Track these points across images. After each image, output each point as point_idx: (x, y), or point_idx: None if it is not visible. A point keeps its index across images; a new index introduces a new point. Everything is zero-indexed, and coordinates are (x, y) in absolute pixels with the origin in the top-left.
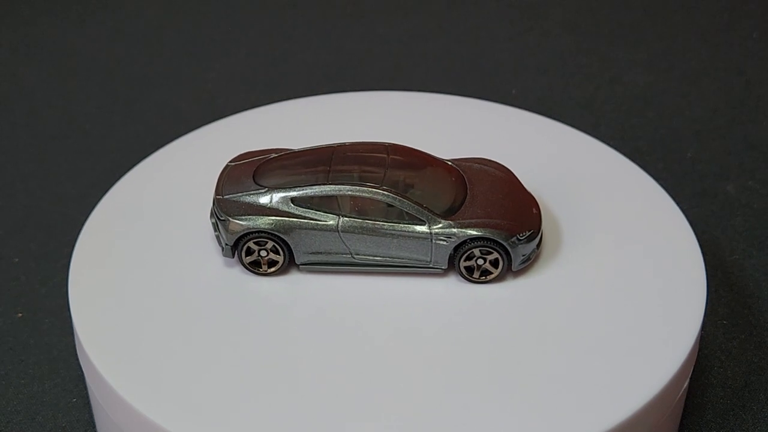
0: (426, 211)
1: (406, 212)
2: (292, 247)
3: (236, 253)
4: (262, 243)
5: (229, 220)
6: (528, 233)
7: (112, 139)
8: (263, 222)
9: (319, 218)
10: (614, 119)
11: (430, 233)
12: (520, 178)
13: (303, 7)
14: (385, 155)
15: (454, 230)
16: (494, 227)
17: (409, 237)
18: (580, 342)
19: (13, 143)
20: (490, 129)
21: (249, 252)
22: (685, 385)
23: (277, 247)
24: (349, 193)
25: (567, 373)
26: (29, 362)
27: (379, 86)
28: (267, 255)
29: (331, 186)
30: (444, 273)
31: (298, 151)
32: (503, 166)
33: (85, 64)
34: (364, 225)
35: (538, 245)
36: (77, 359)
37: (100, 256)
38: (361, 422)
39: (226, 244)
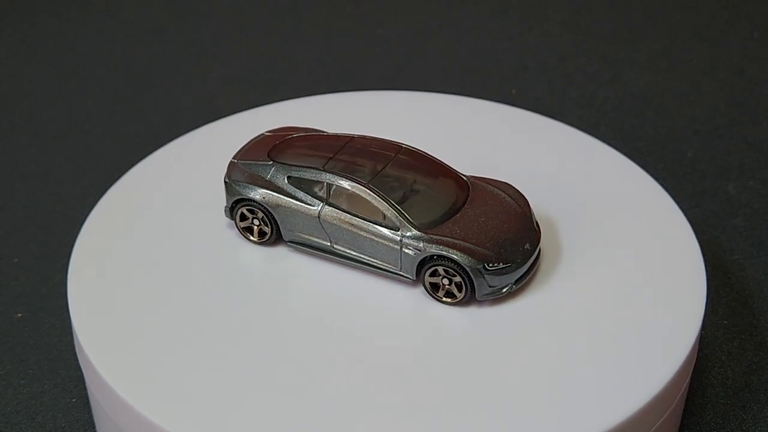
0: (401, 218)
1: (384, 214)
2: (278, 222)
3: (233, 216)
4: (255, 212)
5: (230, 183)
6: (501, 266)
7: (112, 139)
8: (256, 193)
9: (305, 201)
10: (614, 119)
11: (400, 240)
12: (520, 179)
13: (303, 7)
14: (393, 154)
15: (422, 243)
16: (462, 250)
17: (381, 239)
18: (580, 342)
19: (13, 143)
20: (490, 129)
21: (243, 218)
22: (685, 385)
23: (266, 219)
24: (335, 182)
25: (566, 374)
26: (29, 362)
27: (379, 86)
28: (259, 225)
29: (323, 172)
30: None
31: (321, 135)
32: (522, 195)
33: (85, 64)
34: (343, 217)
35: (518, 281)
36: (77, 359)
37: (100, 256)
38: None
39: (226, 206)
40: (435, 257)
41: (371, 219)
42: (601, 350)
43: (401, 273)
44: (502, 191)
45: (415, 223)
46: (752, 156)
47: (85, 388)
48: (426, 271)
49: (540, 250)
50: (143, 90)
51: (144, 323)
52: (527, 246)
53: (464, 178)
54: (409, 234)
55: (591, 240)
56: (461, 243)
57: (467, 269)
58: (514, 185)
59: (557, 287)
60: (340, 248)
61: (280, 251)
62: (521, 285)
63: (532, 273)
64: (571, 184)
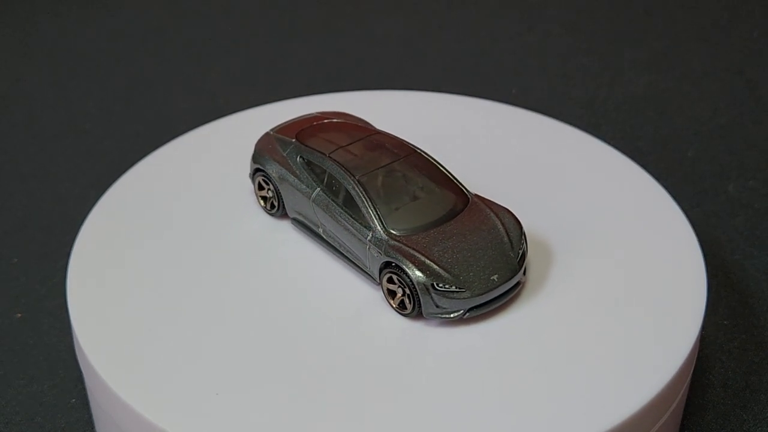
0: (375, 218)
1: (361, 211)
2: (283, 198)
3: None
4: (269, 184)
5: (255, 152)
6: (452, 288)
7: (112, 139)
8: (270, 166)
9: (307, 183)
10: (614, 119)
11: (369, 240)
12: (520, 179)
13: (302, 7)
14: (402, 156)
15: (384, 247)
16: (415, 263)
17: (354, 235)
18: (580, 342)
19: (13, 143)
20: (490, 129)
21: (261, 187)
22: (686, 385)
23: (275, 192)
24: (332, 171)
25: (566, 373)
26: (28, 363)
27: (379, 86)
28: (271, 197)
29: (326, 159)
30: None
31: (352, 125)
32: (517, 226)
33: (85, 64)
34: (330, 205)
35: (475, 309)
36: (77, 360)
37: (99, 257)
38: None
39: (249, 172)
40: (392, 264)
41: (351, 213)
42: (602, 350)
43: (369, 272)
44: (498, 217)
45: (387, 226)
46: (752, 156)
47: (84, 388)
48: (384, 276)
49: (519, 284)
50: (143, 90)
51: (143, 323)
52: (494, 277)
53: (467, 194)
54: (376, 236)
55: (591, 239)
56: (418, 256)
57: (414, 283)
58: (514, 213)
59: (557, 287)
60: (325, 235)
61: (285, 227)
62: (479, 314)
63: (497, 305)
64: (571, 183)
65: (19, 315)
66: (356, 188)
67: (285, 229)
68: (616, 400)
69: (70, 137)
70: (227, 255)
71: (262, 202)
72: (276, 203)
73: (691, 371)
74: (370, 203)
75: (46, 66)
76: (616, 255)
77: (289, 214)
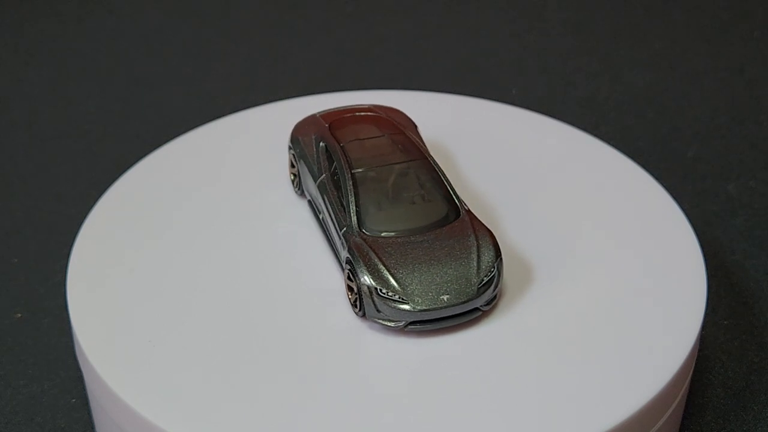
0: (352, 214)
1: (344, 204)
2: (300, 176)
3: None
4: (295, 162)
5: (293, 130)
6: (394, 297)
7: (112, 139)
8: (296, 145)
9: (317, 167)
10: (614, 119)
11: (342, 234)
12: (520, 179)
13: (302, 7)
14: (409, 159)
15: (349, 244)
16: (367, 264)
17: (334, 226)
18: (581, 342)
19: (13, 143)
20: (490, 129)
21: (292, 164)
22: (686, 385)
23: (298, 170)
24: (338, 161)
25: (567, 374)
26: (28, 363)
27: (379, 86)
28: (297, 175)
29: (337, 149)
30: None
31: (382, 118)
32: (492, 252)
33: (85, 64)
34: (328, 193)
35: (418, 324)
36: (76, 360)
37: (99, 256)
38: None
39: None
40: (350, 261)
41: (338, 204)
42: (602, 350)
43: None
44: (476, 239)
45: (360, 224)
46: (752, 156)
47: (84, 388)
48: (345, 271)
49: (476, 311)
50: (143, 90)
51: (143, 323)
52: (444, 298)
53: (460, 209)
54: (348, 231)
55: (591, 240)
56: (372, 258)
57: (360, 283)
58: (496, 239)
59: (556, 286)
60: (323, 221)
61: (302, 210)
62: (422, 330)
63: (445, 326)
64: (571, 183)
65: (19, 315)
66: (348, 181)
67: (301, 206)
68: (616, 400)
69: (70, 137)
70: (226, 254)
71: (291, 176)
72: (298, 182)
73: (691, 371)
74: (352, 198)
75: (46, 66)
76: (616, 255)
77: (305, 195)
